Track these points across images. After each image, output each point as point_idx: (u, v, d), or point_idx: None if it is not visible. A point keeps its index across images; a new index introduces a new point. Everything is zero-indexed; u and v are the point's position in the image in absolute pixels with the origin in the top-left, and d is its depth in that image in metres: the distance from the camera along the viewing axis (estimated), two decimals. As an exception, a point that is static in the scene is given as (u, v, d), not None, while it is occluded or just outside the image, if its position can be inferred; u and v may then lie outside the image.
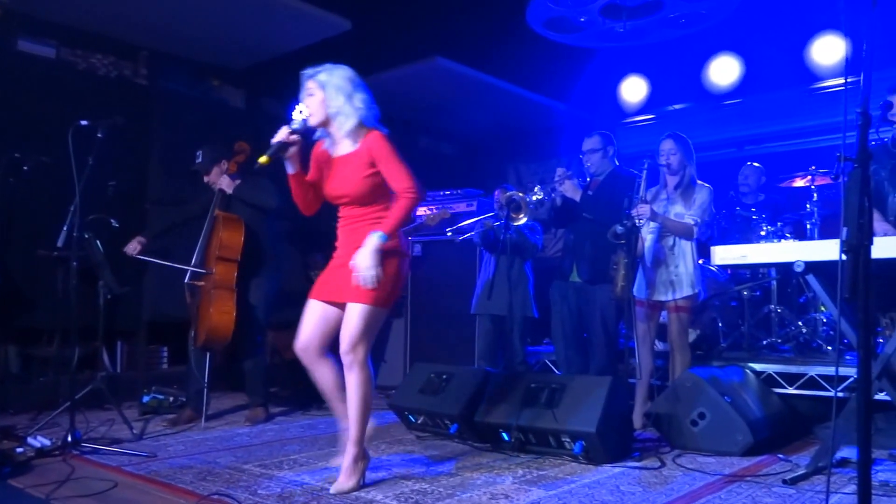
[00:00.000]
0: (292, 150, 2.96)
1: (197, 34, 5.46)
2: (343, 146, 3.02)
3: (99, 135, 3.80)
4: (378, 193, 2.99)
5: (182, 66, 6.02)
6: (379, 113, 3.04)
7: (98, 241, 4.21)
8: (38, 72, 5.20)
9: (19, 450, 3.47)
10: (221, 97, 6.35)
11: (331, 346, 3.06)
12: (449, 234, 5.27)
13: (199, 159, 4.60)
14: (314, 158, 3.10)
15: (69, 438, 3.52)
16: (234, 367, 4.98)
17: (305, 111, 2.94)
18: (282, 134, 2.91)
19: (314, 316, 3.04)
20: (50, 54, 5.30)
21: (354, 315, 2.88)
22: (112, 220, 4.32)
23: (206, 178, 4.65)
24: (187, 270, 4.49)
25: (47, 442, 3.55)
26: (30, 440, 3.58)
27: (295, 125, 2.93)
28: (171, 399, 4.83)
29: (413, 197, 2.92)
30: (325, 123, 2.99)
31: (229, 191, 4.54)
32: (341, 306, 2.98)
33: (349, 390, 2.92)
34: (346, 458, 2.93)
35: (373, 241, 2.86)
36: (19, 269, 4.90)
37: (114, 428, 4.11)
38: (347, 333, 2.88)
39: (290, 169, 3.00)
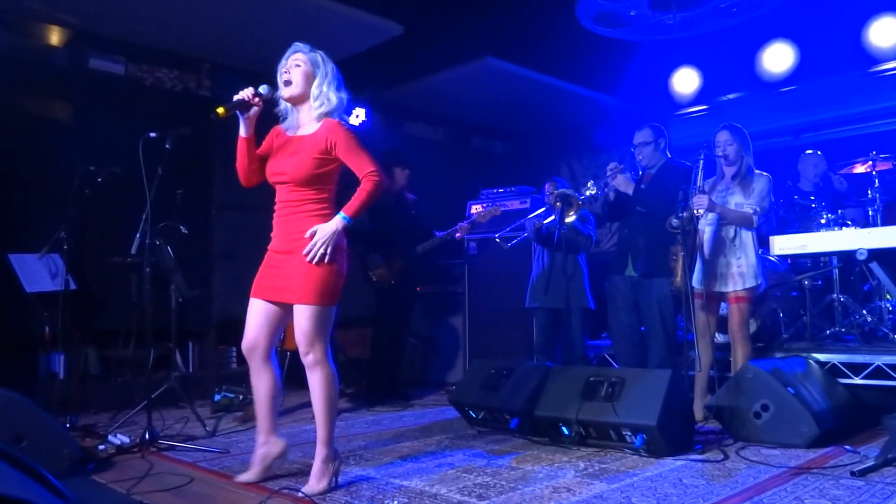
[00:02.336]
0: (252, 111, 2.96)
1: (255, 46, 5.62)
2: (303, 129, 2.99)
3: (167, 145, 3.92)
4: (318, 182, 2.91)
5: (241, 76, 6.16)
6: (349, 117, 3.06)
7: (168, 247, 4.39)
8: (109, 88, 5.43)
9: (101, 447, 3.64)
10: (280, 105, 6.51)
11: (273, 347, 3.07)
12: (497, 239, 5.29)
13: None
14: (270, 134, 3.08)
15: (147, 436, 3.65)
16: (301, 364, 5.11)
17: (284, 79, 2.94)
18: (245, 93, 2.92)
19: (258, 315, 3.00)
20: (119, 71, 5.53)
21: (303, 317, 2.84)
22: (181, 227, 4.48)
23: None
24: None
25: (126, 439, 3.70)
26: (110, 438, 3.74)
27: (261, 89, 2.95)
28: (241, 397, 4.98)
29: (377, 180, 2.88)
30: (300, 99, 2.97)
31: None
32: (284, 305, 2.96)
33: (314, 391, 2.90)
34: (316, 459, 2.91)
35: (337, 220, 2.84)
36: (95, 276, 5.10)
37: (188, 425, 4.28)
38: (301, 335, 2.85)
39: (244, 132, 2.98)
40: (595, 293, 4.97)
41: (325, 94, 2.94)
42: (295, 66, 2.95)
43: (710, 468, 3.17)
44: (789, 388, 3.60)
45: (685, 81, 6.71)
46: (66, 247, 4.42)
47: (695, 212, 3.95)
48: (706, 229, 4.21)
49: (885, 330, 4.59)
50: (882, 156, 4.95)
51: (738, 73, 6.38)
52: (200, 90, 6.02)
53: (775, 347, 4.66)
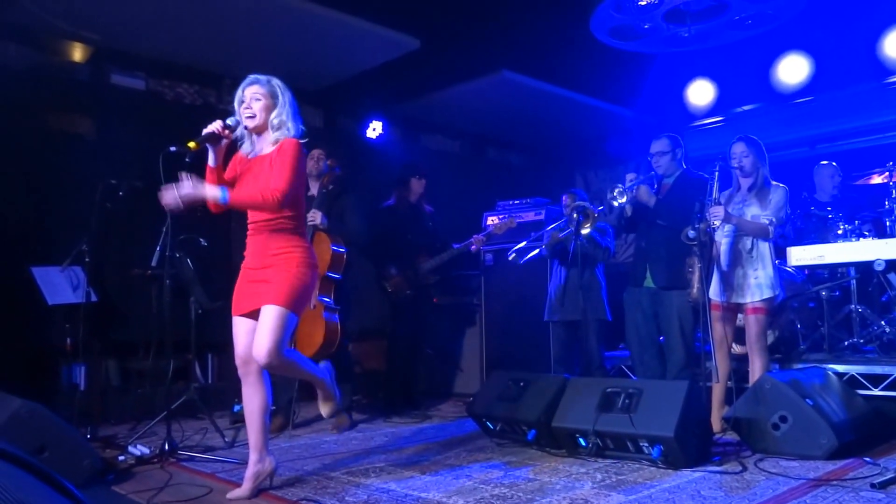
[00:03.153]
0: (222, 143, 3.04)
1: (274, 60, 5.68)
2: (260, 150, 3.08)
3: (187, 159, 3.99)
4: (286, 200, 2.97)
5: (262, 91, 6.29)
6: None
7: (188, 260, 4.45)
8: (130, 103, 5.53)
9: (121, 458, 3.68)
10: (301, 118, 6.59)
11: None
12: (511, 257, 5.28)
13: None
14: (233, 162, 3.14)
15: (166, 447, 3.68)
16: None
17: (245, 113, 3.02)
18: (215, 125, 3.00)
19: (244, 332, 3.08)
20: (140, 86, 5.64)
21: (268, 316, 2.92)
22: (201, 240, 4.54)
23: None
24: None
25: (146, 450, 3.73)
26: (130, 449, 3.78)
27: (229, 121, 3.03)
28: (259, 408, 5.03)
29: (274, 199, 2.90)
30: (260, 129, 3.05)
31: (322, 224, 4.63)
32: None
33: (246, 393, 3.06)
34: (249, 466, 3.05)
35: (215, 189, 2.92)
36: (116, 288, 5.18)
37: (207, 436, 4.31)
38: (260, 334, 2.92)
39: (212, 162, 3.04)
40: (612, 305, 4.97)
41: (285, 124, 3.03)
42: (255, 99, 3.03)
43: (729, 480, 3.15)
44: (808, 400, 3.57)
45: (700, 93, 6.72)
46: (87, 259, 4.48)
47: (711, 223, 3.95)
48: (723, 241, 4.20)
49: (905, 341, 4.56)
50: (901, 166, 4.94)
51: (754, 84, 6.39)
52: (220, 105, 6.10)
53: (793, 358, 4.64)
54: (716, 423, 4.06)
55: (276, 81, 3.08)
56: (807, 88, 6.10)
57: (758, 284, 4.12)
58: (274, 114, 3.03)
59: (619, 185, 4.37)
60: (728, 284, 4.17)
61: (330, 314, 4.57)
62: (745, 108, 6.78)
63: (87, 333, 4.43)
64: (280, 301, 2.93)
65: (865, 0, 5.17)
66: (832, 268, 4.84)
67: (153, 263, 4.15)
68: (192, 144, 2.96)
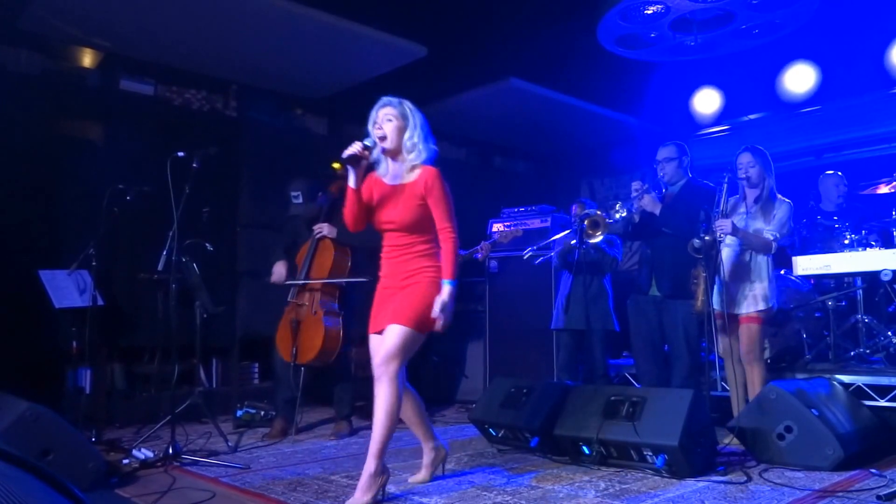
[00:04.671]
0: (362, 163, 3.10)
1: (281, 67, 5.73)
2: (399, 176, 3.14)
3: (194, 164, 4.03)
4: (424, 225, 3.11)
5: (268, 97, 6.32)
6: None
7: (194, 264, 4.47)
8: (139, 108, 5.56)
9: (125, 461, 3.69)
10: (305, 125, 6.63)
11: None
12: (526, 256, 5.30)
13: (301, 200, 4.73)
14: (368, 181, 3.21)
15: (170, 451, 3.70)
16: (322, 381, 5.16)
17: (377, 134, 3.09)
18: (355, 147, 3.05)
19: (376, 348, 3.14)
20: (149, 92, 5.66)
21: (392, 334, 3.01)
22: (207, 244, 4.54)
23: (304, 215, 4.81)
24: (289, 290, 4.69)
25: (150, 454, 3.75)
26: (134, 452, 3.79)
27: (367, 142, 3.08)
28: (263, 413, 5.04)
29: (453, 237, 3.10)
30: (394, 152, 3.12)
31: (332, 236, 4.65)
32: None
33: (376, 403, 3.00)
34: (364, 471, 2.97)
35: (447, 289, 3.05)
36: (122, 292, 5.20)
37: (211, 441, 4.31)
38: (385, 350, 3.00)
39: (353, 184, 3.10)
40: (617, 313, 4.96)
41: (417, 146, 3.11)
42: (387, 120, 3.10)
43: (733, 490, 3.14)
44: (813, 410, 3.55)
45: (706, 102, 6.71)
46: (94, 263, 4.50)
47: (717, 235, 3.95)
48: (725, 252, 4.19)
49: (911, 352, 4.54)
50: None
51: (760, 93, 6.38)
52: (227, 111, 6.14)
53: (798, 368, 4.62)
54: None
55: (407, 103, 3.15)
56: (813, 98, 6.09)
57: (753, 296, 4.12)
58: (406, 135, 3.10)
59: (619, 202, 4.39)
60: (730, 295, 4.16)
61: (331, 320, 4.58)
62: (752, 117, 6.76)
63: (93, 337, 4.47)
64: (403, 320, 3.01)
65: (873, 10, 5.15)
66: (838, 277, 4.82)
67: (159, 268, 4.14)
68: (336, 166, 3.13)
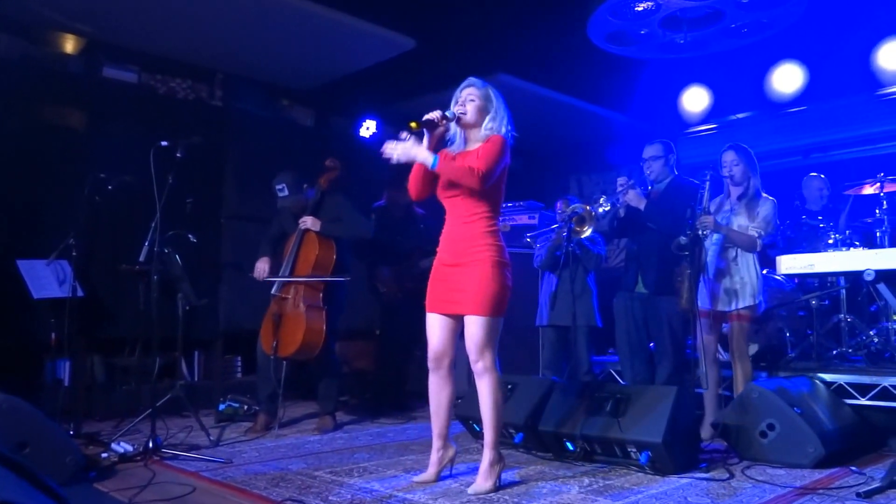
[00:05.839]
0: (438, 130, 3.16)
1: (268, 57, 5.67)
2: (467, 146, 3.22)
3: (178, 154, 3.98)
4: (486, 194, 3.11)
5: (254, 87, 6.26)
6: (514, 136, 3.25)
7: (177, 256, 4.41)
8: (122, 96, 5.49)
9: (104, 455, 3.64)
10: (292, 116, 6.57)
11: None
12: (528, 239, 5.29)
13: (286, 192, 4.67)
14: (440, 154, 3.23)
15: (150, 444, 3.66)
16: (306, 376, 5.12)
17: (459, 109, 3.14)
18: (434, 114, 3.11)
19: (439, 329, 3.22)
20: (132, 79, 5.59)
21: (475, 327, 3.07)
22: (190, 236, 4.49)
23: (289, 206, 4.77)
24: (273, 283, 4.65)
25: (130, 448, 3.70)
26: (114, 446, 3.74)
27: (447, 113, 3.13)
28: (245, 407, 4.99)
29: (477, 173, 3.01)
30: (470, 126, 3.18)
31: (315, 229, 4.62)
32: (458, 316, 3.18)
33: (482, 397, 3.13)
34: (483, 461, 3.11)
35: (426, 153, 3.06)
36: (103, 283, 5.14)
37: (192, 435, 4.27)
38: (473, 344, 3.08)
39: (426, 146, 3.14)
40: (602, 310, 4.97)
41: (497, 129, 3.17)
42: (469, 99, 3.16)
43: (716, 487, 3.15)
44: (796, 408, 3.59)
45: (695, 100, 6.73)
46: (74, 253, 4.44)
47: (701, 232, 3.96)
48: (710, 249, 4.21)
49: (892, 351, 4.58)
50: (890, 177, 4.95)
51: (748, 92, 6.41)
52: (213, 100, 6.07)
53: (781, 367, 4.65)
54: (705, 431, 4.07)
55: (492, 88, 3.22)
56: (800, 98, 6.12)
57: (741, 292, 4.14)
58: (487, 118, 3.16)
59: (604, 196, 4.41)
60: (714, 293, 4.19)
61: (314, 315, 4.54)
62: (739, 115, 6.80)
63: (72, 328, 4.41)
64: (481, 311, 3.06)
65: (860, 11, 5.18)
66: (822, 277, 4.85)
67: (141, 259, 4.08)
68: (413, 124, 3.12)
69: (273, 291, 4.65)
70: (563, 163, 8.32)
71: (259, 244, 4.94)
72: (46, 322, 4.48)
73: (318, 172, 4.81)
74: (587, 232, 4.43)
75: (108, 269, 5.07)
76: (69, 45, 5.38)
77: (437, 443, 3.29)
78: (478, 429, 4.15)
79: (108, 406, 5.00)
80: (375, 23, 5.18)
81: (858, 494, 2.92)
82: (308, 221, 4.63)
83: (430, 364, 3.27)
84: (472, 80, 3.22)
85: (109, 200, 4.62)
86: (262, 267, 4.76)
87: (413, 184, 3.20)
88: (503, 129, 3.18)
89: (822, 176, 5.45)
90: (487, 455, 3.10)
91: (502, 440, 3.97)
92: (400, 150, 3.06)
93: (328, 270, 4.62)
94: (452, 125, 3.19)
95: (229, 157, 5.95)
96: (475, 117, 3.15)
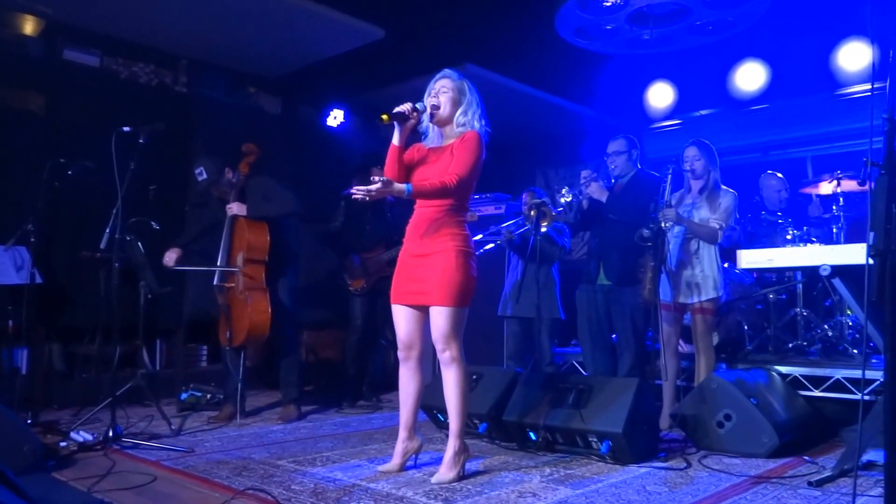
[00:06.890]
0: (409, 123, 3.15)
1: (234, 44, 5.59)
2: (442, 142, 3.24)
3: (141, 140, 3.92)
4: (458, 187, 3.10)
5: (220, 74, 6.17)
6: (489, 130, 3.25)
7: (139, 243, 4.34)
8: (83, 80, 5.37)
9: (63, 444, 3.60)
10: (258, 104, 6.50)
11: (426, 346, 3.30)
12: (499, 232, 5.32)
13: (205, 176, 4.60)
14: (412, 149, 3.28)
15: (110, 433, 3.62)
16: (272, 365, 5.09)
17: (432, 101, 3.16)
18: (405, 106, 3.11)
19: (406, 321, 3.24)
20: (94, 63, 5.46)
21: (441, 318, 3.09)
22: (153, 223, 4.42)
23: (214, 192, 4.71)
24: (216, 273, 4.60)
25: (89, 437, 3.66)
26: (73, 435, 3.70)
27: (418, 105, 3.13)
28: (209, 396, 4.95)
29: (451, 182, 3.05)
30: (443, 121, 3.20)
31: (242, 213, 4.57)
32: (424, 307, 3.19)
33: (448, 386, 3.17)
34: (447, 450, 3.13)
35: (401, 187, 3.03)
36: (63, 270, 5.05)
37: (153, 424, 4.24)
38: (439, 335, 3.10)
39: (397, 141, 3.16)
40: (565, 302, 5.02)
41: (470, 122, 3.19)
42: (443, 91, 3.19)
43: (673, 476, 3.22)
44: (752, 399, 3.67)
45: (660, 96, 6.81)
46: (33, 240, 4.36)
47: (663, 225, 4.03)
48: (671, 242, 4.28)
49: (845, 344, 4.70)
50: (847, 175, 5.07)
51: (712, 89, 6.50)
52: (177, 86, 5.97)
53: (739, 359, 4.75)
54: (664, 421, 4.14)
55: (467, 82, 3.23)
56: (763, 96, 6.23)
57: (703, 284, 4.22)
58: (460, 111, 3.17)
59: (566, 187, 4.47)
60: (675, 285, 4.26)
61: (255, 297, 4.51)
62: (703, 112, 6.89)
63: (30, 316, 4.33)
64: (446, 301, 3.07)
65: (821, 12, 5.29)
66: (780, 271, 4.95)
67: (102, 246, 4.00)
68: (384, 117, 3.10)
69: (215, 282, 4.62)
70: (530, 156, 8.36)
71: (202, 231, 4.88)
72: (3, 309, 4.39)
73: (238, 158, 4.74)
74: (545, 226, 4.50)
75: (68, 256, 4.98)
76: (29, 26, 5.25)
77: (403, 433, 3.30)
78: (442, 419, 4.17)
79: (68, 395, 4.92)
80: (344, 11, 5.15)
81: (810, 483, 3.00)
82: (234, 207, 4.58)
83: (400, 354, 3.30)
84: (447, 71, 3.24)
85: (70, 186, 4.52)
86: (169, 256, 4.64)
87: (389, 170, 3.19)
88: (476, 124, 3.19)
89: (780, 175, 5.55)
90: (452, 444, 3.13)
91: (466, 430, 4.00)
92: (375, 192, 2.98)
93: (264, 253, 4.57)
94: (425, 117, 3.19)
95: (194, 145, 5.87)
96: (449, 110, 3.17)
